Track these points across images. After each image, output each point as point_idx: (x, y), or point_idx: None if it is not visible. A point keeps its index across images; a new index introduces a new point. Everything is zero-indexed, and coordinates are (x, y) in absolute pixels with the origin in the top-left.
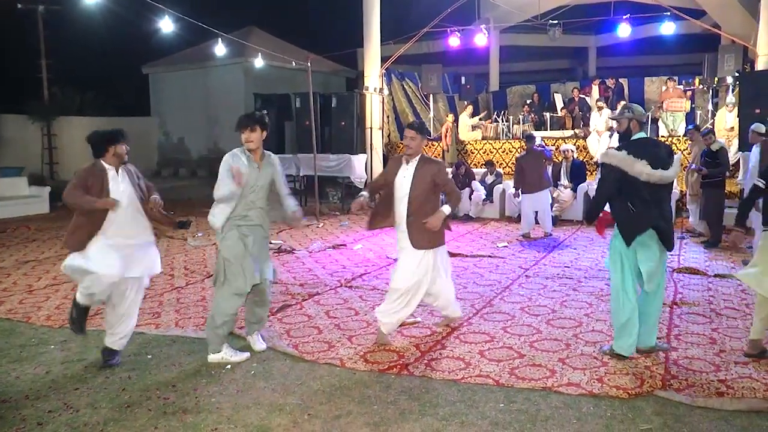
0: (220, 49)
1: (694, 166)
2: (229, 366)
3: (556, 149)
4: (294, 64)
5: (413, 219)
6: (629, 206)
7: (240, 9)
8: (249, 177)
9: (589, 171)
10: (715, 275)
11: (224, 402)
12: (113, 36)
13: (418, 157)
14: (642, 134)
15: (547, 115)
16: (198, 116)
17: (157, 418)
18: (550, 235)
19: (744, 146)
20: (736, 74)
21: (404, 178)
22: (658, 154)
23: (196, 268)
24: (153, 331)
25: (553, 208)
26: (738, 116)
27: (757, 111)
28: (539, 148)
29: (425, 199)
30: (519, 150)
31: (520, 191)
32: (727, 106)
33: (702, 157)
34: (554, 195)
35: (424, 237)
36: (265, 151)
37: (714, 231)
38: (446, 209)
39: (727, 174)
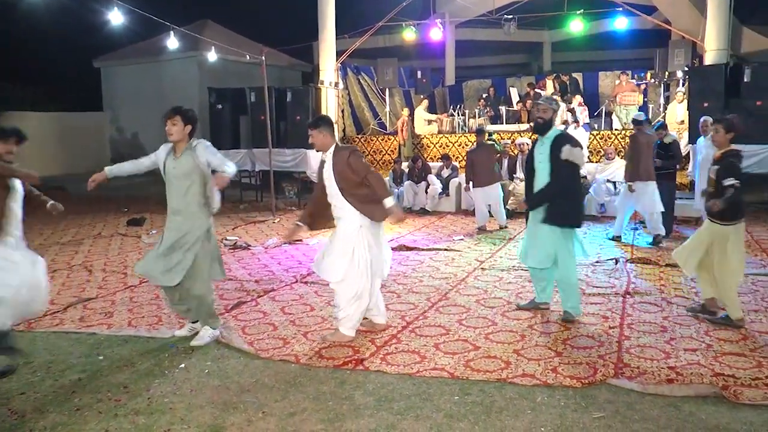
0: (173, 42)
1: None
2: (183, 365)
3: (512, 143)
4: (248, 57)
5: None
6: None
7: (193, 1)
8: (167, 168)
9: None
10: (666, 265)
11: (177, 402)
12: (62, 29)
13: (332, 149)
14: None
15: (503, 108)
16: (152, 111)
17: (107, 420)
18: (506, 227)
19: (693, 138)
20: (686, 69)
21: (329, 175)
22: None
23: None
24: (105, 331)
25: (509, 201)
26: (688, 109)
27: (706, 104)
28: (490, 142)
29: (356, 187)
30: (472, 145)
31: (471, 185)
32: (678, 99)
33: (654, 149)
34: (510, 188)
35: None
36: (194, 140)
37: (665, 222)
38: (389, 202)
39: (678, 167)
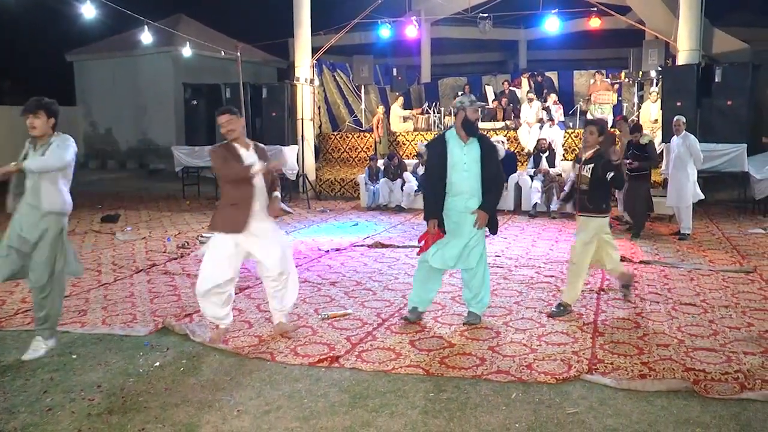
0: (147, 37)
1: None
2: (158, 363)
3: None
4: (223, 53)
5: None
6: None
7: None
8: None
9: (520, 162)
10: (640, 262)
11: (152, 401)
12: (33, 21)
13: (252, 143)
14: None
15: None
16: (126, 106)
17: (80, 420)
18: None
19: (667, 137)
20: (659, 68)
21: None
22: None
23: (125, 263)
24: (78, 329)
25: None
26: (661, 108)
27: (678, 103)
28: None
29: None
30: None
31: None
32: (651, 99)
33: (629, 149)
34: None
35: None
36: (55, 136)
37: (638, 221)
38: (276, 194)
39: (654, 167)
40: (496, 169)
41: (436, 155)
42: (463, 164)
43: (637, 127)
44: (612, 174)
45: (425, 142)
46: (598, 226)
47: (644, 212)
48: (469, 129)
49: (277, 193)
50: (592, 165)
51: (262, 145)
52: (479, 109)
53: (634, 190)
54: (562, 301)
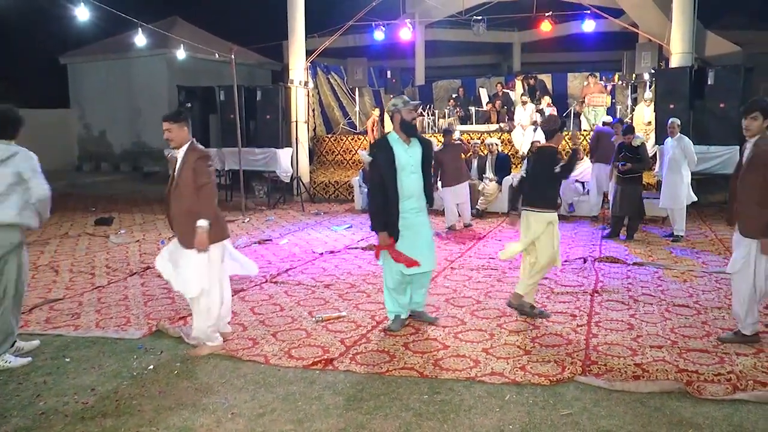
0: (141, 39)
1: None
2: (151, 366)
3: (482, 143)
4: (218, 56)
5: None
6: None
7: None
8: None
9: (514, 164)
10: (634, 263)
11: (146, 404)
12: (27, 24)
13: (186, 147)
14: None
15: (473, 109)
16: (120, 109)
17: (74, 424)
18: (470, 225)
19: (660, 139)
20: (653, 71)
21: (177, 170)
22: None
23: (119, 266)
24: (72, 333)
25: (479, 201)
26: (654, 111)
27: (672, 106)
28: (458, 142)
29: (188, 194)
30: (439, 144)
31: (440, 185)
32: (645, 101)
33: (621, 152)
34: (479, 188)
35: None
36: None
37: (632, 223)
38: (202, 222)
39: (646, 169)
40: (431, 168)
41: (386, 160)
42: (411, 166)
43: (629, 129)
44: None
45: (365, 150)
46: (548, 220)
47: (638, 214)
48: (408, 130)
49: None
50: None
51: (198, 150)
52: (414, 110)
53: (626, 192)
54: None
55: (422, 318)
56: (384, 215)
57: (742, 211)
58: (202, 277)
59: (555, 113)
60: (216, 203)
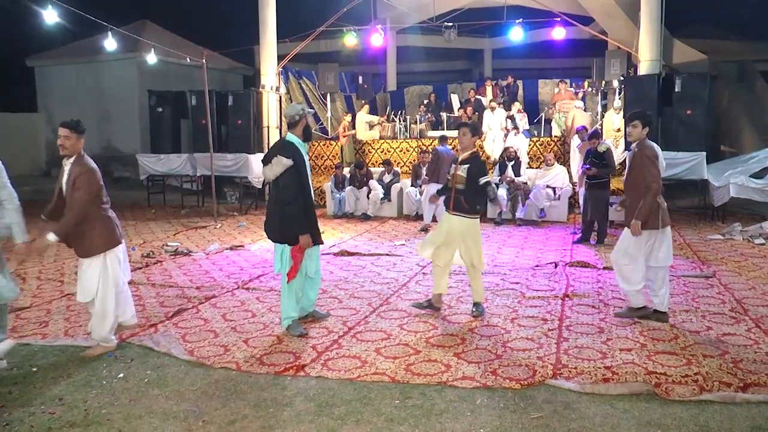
0: (110, 43)
1: (584, 166)
2: (122, 375)
3: (454, 148)
4: (189, 60)
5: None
6: None
7: (133, 2)
8: None
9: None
10: (604, 267)
11: (115, 413)
12: None
13: (74, 158)
14: (288, 135)
15: (444, 115)
16: (90, 113)
17: None
18: None
19: (629, 146)
20: (622, 78)
21: (64, 183)
22: (267, 155)
23: None
24: (39, 341)
25: None
26: (624, 117)
27: None
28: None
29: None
30: (416, 149)
31: (428, 180)
32: (614, 109)
33: (588, 157)
34: None
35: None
36: None
37: (601, 228)
38: (50, 237)
39: (612, 174)
40: None
41: (301, 162)
42: (309, 170)
43: (595, 134)
44: (484, 181)
45: (278, 156)
46: (467, 226)
47: (606, 219)
48: (308, 135)
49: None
50: (468, 166)
51: (84, 164)
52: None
53: (594, 197)
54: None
55: (317, 316)
56: (307, 216)
57: (631, 206)
58: (93, 284)
59: (525, 118)
60: (99, 214)
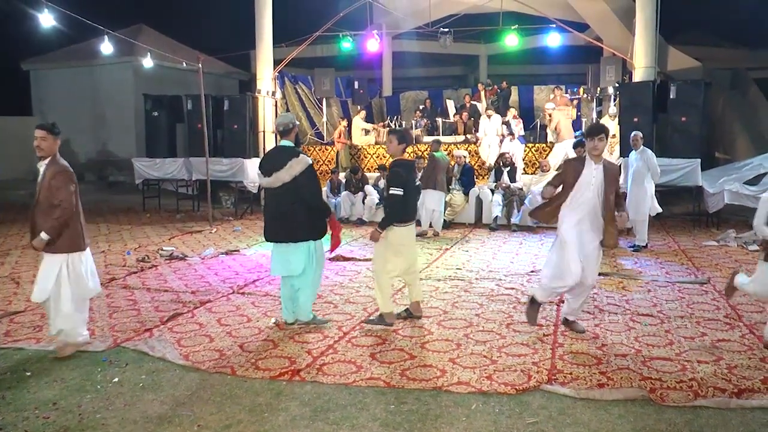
0: (106, 47)
1: None
2: (116, 379)
3: (449, 154)
4: (185, 64)
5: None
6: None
7: (128, 6)
8: None
9: (481, 175)
10: (599, 273)
11: (110, 417)
12: None
13: (49, 160)
14: (283, 142)
15: (440, 120)
16: (85, 117)
17: None
18: (438, 234)
19: (625, 152)
20: (617, 85)
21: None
22: (268, 164)
23: None
24: (33, 346)
25: (446, 212)
26: (619, 124)
27: (635, 119)
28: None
29: (48, 208)
30: (412, 155)
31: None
32: (609, 115)
33: None
34: (447, 199)
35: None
36: None
37: None
38: (43, 236)
39: None
40: None
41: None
42: None
43: (579, 143)
44: (392, 192)
45: (296, 157)
46: (398, 236)
47: None
48: (298, 142)
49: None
50: (388, 174)
51: (59, 165)
52: None
53: None
54: (381, 312)
55: (317, 322)
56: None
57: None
58: (49, 283)
59: (520, 124)
60: (73, 218)
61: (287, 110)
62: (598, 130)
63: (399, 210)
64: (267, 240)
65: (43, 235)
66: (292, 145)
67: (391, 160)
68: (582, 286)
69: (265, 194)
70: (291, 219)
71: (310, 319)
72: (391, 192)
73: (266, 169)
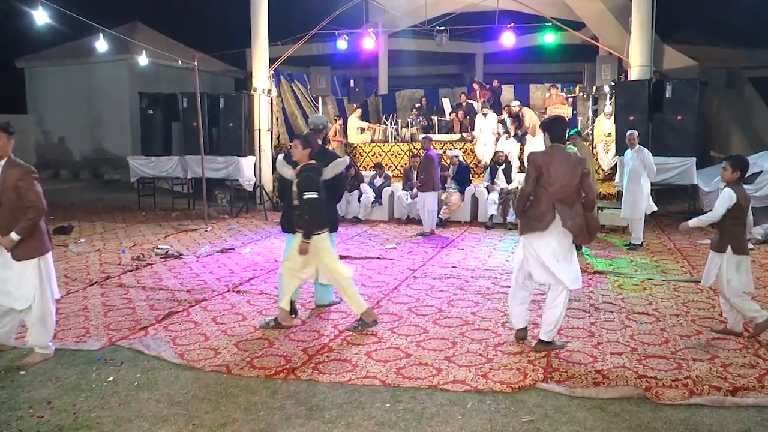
0: (101, 44)
1: None
2: (111, 378)
3: (444, 153)
4: (180, 62)
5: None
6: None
7: (124, 3)
8: None
9: (477, 174)
10: (595, 272)
11: (105, 416)
12: None
13: (5, 161)
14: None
15: (436, 119)
16: (80, 115)
17: None
18: (432, 233)
19: (621, 151)
20: (612, 83)
21: None
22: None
23: (78, 276)
24: (28, 344)
25: (442, 210)
26: (615, 123)
27: (631, 118)
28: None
29: (12, 209)
30: (407, 153)
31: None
32: (605, 114)
33: None
34: (442, 198)
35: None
36: None
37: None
38: (13, 236)
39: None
40: None
41: None
42: None
43: (567, 138)
44: (308, 196)
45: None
46: (313, 244)
47: None
48: (325, 141)
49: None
50: (298, 180)
51: (20, 166)
52: None
53: None
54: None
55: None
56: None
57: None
58: (30, 289)
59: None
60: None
61: (283, 109)
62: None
63: (320, 214)
64: (286, 231)
65: (14, 235)
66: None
67: (298, 167)
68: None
69: (286, 187)
70: (326, 212)
71: (329, 302)
72: (306, 197)
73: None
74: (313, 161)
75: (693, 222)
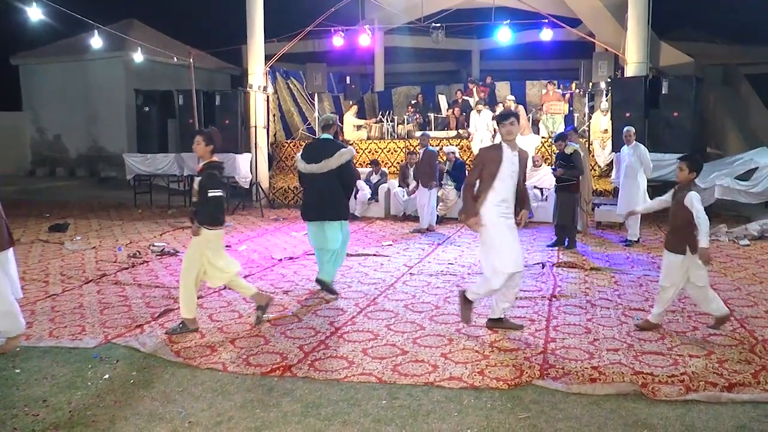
0: (97, 41)
1: (552, 168)
2: (107, 376)
3: (440, 150)
4: (176, 59)
5: None
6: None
7: (119, 0)
8: None
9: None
10: (591, 268)
11: (101, 414)
12: None
13: None
14: (324, 135)
15: (432, 115)
16: (76, 112)
17: None
18: (428, 229)
19: (617, 147)
20: (609, 80)
21: None
22: (315, 153)
23: (74, 274)
24: (23, 342)
25: (439, 207)
26: (611, 119)
27: (628, 114)
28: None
29: None
30: (404, 150)
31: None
32: (602, 110)
33: (556, 159)
34: (439, 194)
35: None
36: None
37: (569, 232)
38: None
39: (580, 175)
40: None
41: None
42: None
43: (561, 136)
44: (213, 194)
45: (344, 147)
46: (203, 240)
47: (573, 222)
48: (336, 135)
49: None
50: (200, 178)
51: None
52: None
53: (560, 200)
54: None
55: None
56: None
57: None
58: None
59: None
60: None
61: (279, 106)
62: (507, 115)
63: (222, 211)
64: (305, 219)
65: None
66: (331, 137)
67: (200, 164)
68: (514, 276)
69: (306, 179)
70: (330, 200)
71: (331, 281)
72: (211, 195)
73: (312, 156)
74: (215, 159)
75: (705, 241)
